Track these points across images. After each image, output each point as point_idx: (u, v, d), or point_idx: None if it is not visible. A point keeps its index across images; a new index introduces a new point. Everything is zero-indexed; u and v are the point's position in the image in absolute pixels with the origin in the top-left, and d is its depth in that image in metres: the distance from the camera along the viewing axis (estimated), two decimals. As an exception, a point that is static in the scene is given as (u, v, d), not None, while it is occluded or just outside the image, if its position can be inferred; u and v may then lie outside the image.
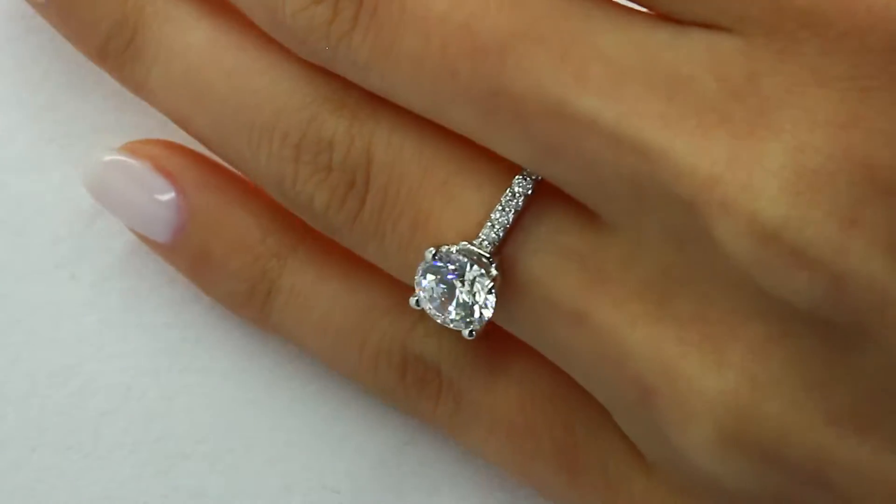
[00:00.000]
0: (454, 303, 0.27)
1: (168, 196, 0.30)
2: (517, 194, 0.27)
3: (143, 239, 0.31)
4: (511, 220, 0.27)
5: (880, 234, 0.24)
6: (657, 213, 0.26)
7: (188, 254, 0.31)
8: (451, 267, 0.27)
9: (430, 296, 0.27)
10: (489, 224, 0.27)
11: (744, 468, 0.26)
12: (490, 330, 0.28)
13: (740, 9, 0.25)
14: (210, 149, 0.30)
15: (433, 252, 0.27)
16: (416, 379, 0.29)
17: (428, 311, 0.27)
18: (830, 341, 0.25)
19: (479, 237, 0.27)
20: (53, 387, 0.31)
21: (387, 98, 0.28)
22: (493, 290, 0.26)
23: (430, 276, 0.27)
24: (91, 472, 0.31)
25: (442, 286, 0.27)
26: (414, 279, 0.27)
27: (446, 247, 0.27)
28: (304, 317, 0.30)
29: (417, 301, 0.27)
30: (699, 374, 0.26)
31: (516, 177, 0.27)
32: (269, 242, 0.30)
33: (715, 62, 0.25)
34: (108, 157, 0.31)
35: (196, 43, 0.29)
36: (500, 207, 0.27)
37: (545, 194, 0.27)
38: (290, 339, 0.31)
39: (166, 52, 0.30)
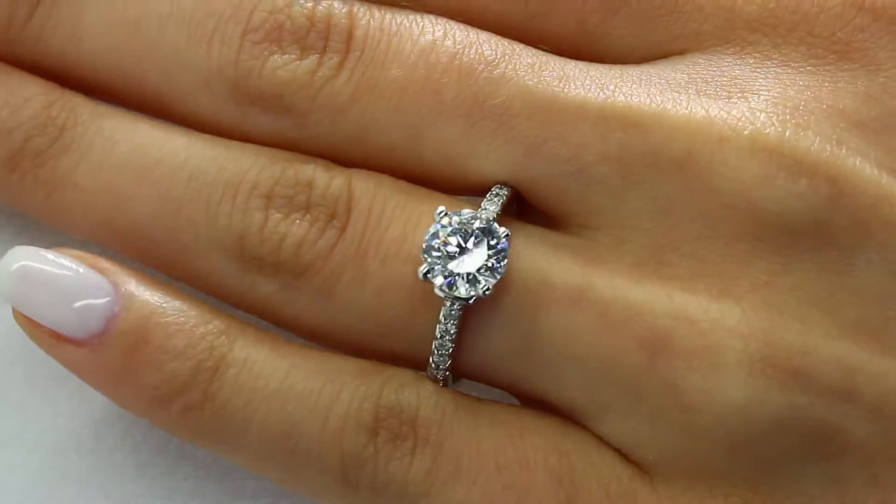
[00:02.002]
0: (466, 262, 0.27)
1: (99, 284, 0.28)
2: (499, 194, 0.28)
3: (54, 348, 0.29)
4: (500, 208, 0.28)
5: (865, 152, 0.27)
6: (644, 186, 0.27)
7: (121, 343, 0.28)
8: (459, 226, 0.27)
9: (440, 258, 0.27)
10: (482, 209, 0.28)
11: (775, 392, 0.26)
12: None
13: (695, 26, 0.29)
14: (147, 239, 0.29)
15: (442, 211, 0.28)
16: (389, 438, 0.27)
17: (437, 285, 0.27)
18: (830, 261, 0.27)
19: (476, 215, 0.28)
20: (53, 387, 0.31)
21: (361, 143, 0.29)
22: (507, 237, 0.27)
23: (439, 237, 0.27)
24: (90, 474, 0.31)
25: (452, 245, 0.27)
26: (396, 298, 0.28)
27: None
28: (260, 387, 0.28)
29: (426, 272, 0.27)
30: (715, 308, 0.27)
31: (493, 187, 0.28)
32: (216, 323, 0.29)
33: (680, 66, 0.28)
34: (25, 260, 0.28)
35: (142, 128, 0.30)
36: (487, 200, 0.28)
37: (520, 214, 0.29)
38: (227, 433, 0.28)
39: (105, 141, 0.30)
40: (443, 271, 0.27)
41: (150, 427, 0.31)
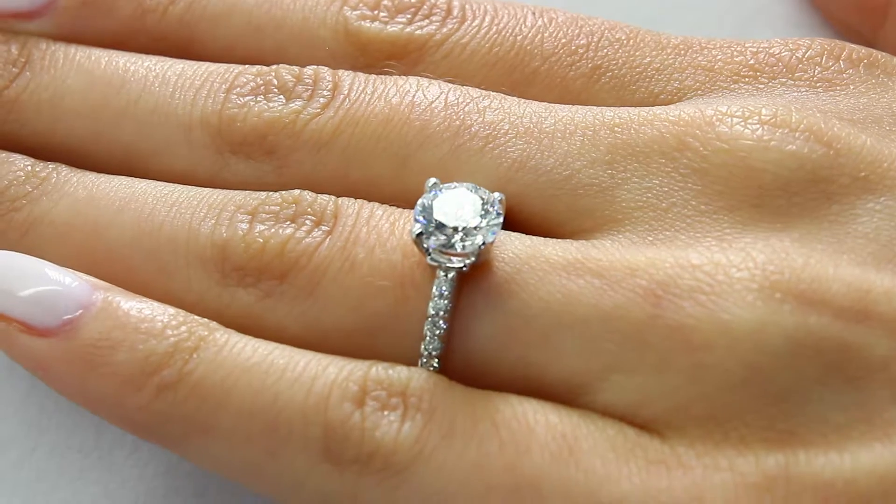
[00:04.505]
0: (460, 223, 0.27)
1: (70, 275, 0.28)
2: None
3: (20, 342, 0.28)
4: (497, 199, 0.28)
5: (857, 132, 0.28)
6: (634, 180, 0.28)
7: (94, 328, 0.27)
8: (455, 191, 0.27)
9: (432, 224, 0.27)
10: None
11: (786, 314, 0.26)
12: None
13: (676, 84, 0.30)
14: (123, 264, 0.29)
15: (435, 182, 0.28)
16: (377, 407, 0.26)
17: (428, 245, 0.27)
18: (832, 214, 0.27)
19: None
20: (56, 386, 0.31)
21: (345, 176, 0.29)
22: (501, 202, 0.27)
23: (432, 201, 0.27)
24: (91, 472, 0.31)
25: (446, 207, 0.27)
26: (385, 285, 0.27)
27: None
28: (241, 361, 0.27)
29: (420, 233, 0.27)
30: (717, 252, 0.27)
31: None
32: (195, 317, 0.28)
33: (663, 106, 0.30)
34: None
35: (127, 179, 0.30)
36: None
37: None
38: (201, 413, 0.27)
39: (88, 182, 0.30)
40: (436, 232, 0.27)
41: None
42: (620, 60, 0.30)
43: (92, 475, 0.31)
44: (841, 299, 0.26)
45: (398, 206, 0.29)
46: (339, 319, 0.27)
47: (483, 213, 0.27)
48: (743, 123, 0.28)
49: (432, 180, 0.28)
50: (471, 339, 0.27)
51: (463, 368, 0.27)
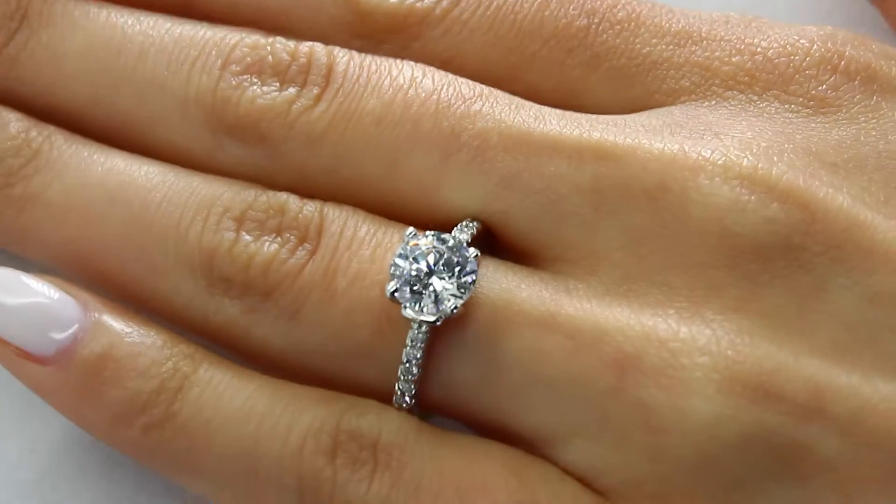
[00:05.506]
0: (434, 283, 0.27)
1: (70, 307, 0.29)
2: (469, 226, 0.28)
3: (18, 365, 0.29)
4: (470, 238, 0.28)
5: (838, 186, 0.27)
6: (617, 217, 0.28)
7: (86, 361, 0.28)
8: (429, 247, 0.27)
9: (408, 278, 0.27)
10: (452, 235, 0.28)
11: (743, 409, 0.26)
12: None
13: (672, 83, 0.29)
14: (114, 258, 0.29)
15: (412, 232, 0.28)
16: (347, 461, 0.27)
17: (405, 305, 0.27)
18: (802, 286, 0.27)
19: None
20: (54, 387, 0.32)
21: (335, 172, 0.29)
22: (476, 258, 0.27)
23: (408, 257, 0.27)
24: (90, 473, 0.32)
25: (421, 265, 0.27)
26: (363, 320, 0.28)
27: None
28: (223, 406, 0.28)
29: (393, 291, 0.27)
30: (684, 329, 0.27)
31: (464, 220, 0.28)
32: (183, 347, 0.29)
33: (655, 114, 0.29)
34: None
35: (117, 155, 0.30)
36: (457, 229, 0.28)
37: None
38: (188, 453, 0.28)
39: (80, 162, 0.30)
40: (410, 291, 0.27)
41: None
42: (619, 49, 0.30)
43: (91, 475, 0.32)
44: (797, 396, 0.26)
45: (386, 211, 0.29)
46: (321, 344, 0.28)
47: (457, 272, 0.27)
48: (722, 177, 0.27)
49: (410, 230, 0.28)
50: (443, 381, 0.28)
51: (436, 403, 0.28)
